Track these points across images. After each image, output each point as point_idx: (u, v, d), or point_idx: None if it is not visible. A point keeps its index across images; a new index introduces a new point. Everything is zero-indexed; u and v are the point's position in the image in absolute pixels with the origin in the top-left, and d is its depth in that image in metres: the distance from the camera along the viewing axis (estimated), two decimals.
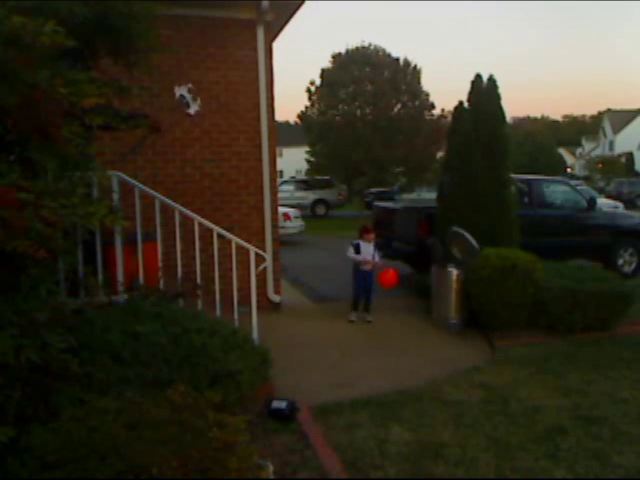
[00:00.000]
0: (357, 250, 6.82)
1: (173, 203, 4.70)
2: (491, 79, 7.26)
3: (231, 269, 4.73)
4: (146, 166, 6.41)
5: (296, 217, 15.19)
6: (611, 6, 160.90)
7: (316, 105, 31.04)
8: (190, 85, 6.47)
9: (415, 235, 8.23)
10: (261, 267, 5.08)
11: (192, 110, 6.52)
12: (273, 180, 7.09)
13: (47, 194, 2.51)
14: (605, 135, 60.95)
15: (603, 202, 16.26)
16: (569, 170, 55.69)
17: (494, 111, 7.14)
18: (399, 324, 6.65)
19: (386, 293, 8.34)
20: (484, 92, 7.25)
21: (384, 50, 30.41)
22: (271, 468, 2.91)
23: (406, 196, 23.75)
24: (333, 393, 4.48)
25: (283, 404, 3.89)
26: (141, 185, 4.64)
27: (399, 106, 29.76)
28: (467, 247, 6.26)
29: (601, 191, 29.47)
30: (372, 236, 6.92)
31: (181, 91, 6.40)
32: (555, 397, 4.36)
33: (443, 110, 30.18)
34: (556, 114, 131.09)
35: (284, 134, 29.79)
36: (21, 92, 2.47)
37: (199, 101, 6.53)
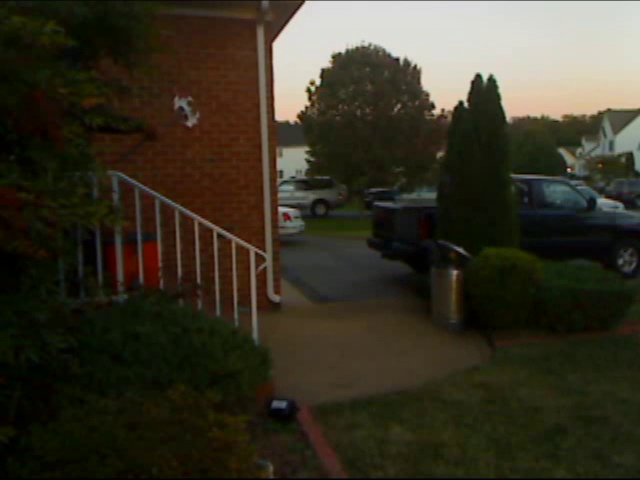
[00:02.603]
0: None
1: (173, 203, 4.70)
2: (491, 79, 7.26)
3: (231, 269, 4.73)
4: (146, 166, 6.41)
5: (296, 217, 15.20)
6: (611, 6, 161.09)
7: (316, 105, 30.97)
8: (190, 98, 6.45)
9: (415, 235, 8.24)
10: (261, 267, 5.09)
11: (190, 123, 6.50)
12: (273, 180, 7.09)
13: (47, 194, 2.51)
14: (605, 135, 60.93)
15: (603, 202, 16.25)
16: (569, 170, 55.65)
17: (494, 111, 7.14)
18: (399, 324, 6.65)
19: (386, 293, 8.36)
20: (484, 92, 7.25)
21: (384, 50, 30.36)
22: (271, 468, 2.91)
23: (406, 196, 23.73)
24: (333, 393, 4.48)
25: (283, 404, 3.88)
26: (141, 185, 4.64)
27: (399, 106, 29.69)
28: (458, 254, 6.30)
29: (601, 191, 29.46)
30: None
31: (181, 103, 6.38)
32: (555, 397, 4.35)
33: (443, 110, 30.10)
34: (556, 114, 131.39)
35: (284, 134, 29.82)
36: (21, 92, 2.47)
37: (198, 114, 6.52)
